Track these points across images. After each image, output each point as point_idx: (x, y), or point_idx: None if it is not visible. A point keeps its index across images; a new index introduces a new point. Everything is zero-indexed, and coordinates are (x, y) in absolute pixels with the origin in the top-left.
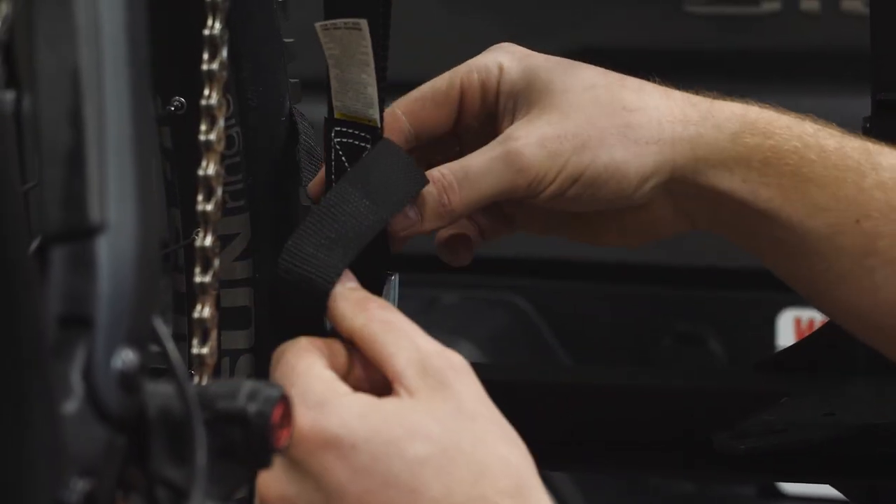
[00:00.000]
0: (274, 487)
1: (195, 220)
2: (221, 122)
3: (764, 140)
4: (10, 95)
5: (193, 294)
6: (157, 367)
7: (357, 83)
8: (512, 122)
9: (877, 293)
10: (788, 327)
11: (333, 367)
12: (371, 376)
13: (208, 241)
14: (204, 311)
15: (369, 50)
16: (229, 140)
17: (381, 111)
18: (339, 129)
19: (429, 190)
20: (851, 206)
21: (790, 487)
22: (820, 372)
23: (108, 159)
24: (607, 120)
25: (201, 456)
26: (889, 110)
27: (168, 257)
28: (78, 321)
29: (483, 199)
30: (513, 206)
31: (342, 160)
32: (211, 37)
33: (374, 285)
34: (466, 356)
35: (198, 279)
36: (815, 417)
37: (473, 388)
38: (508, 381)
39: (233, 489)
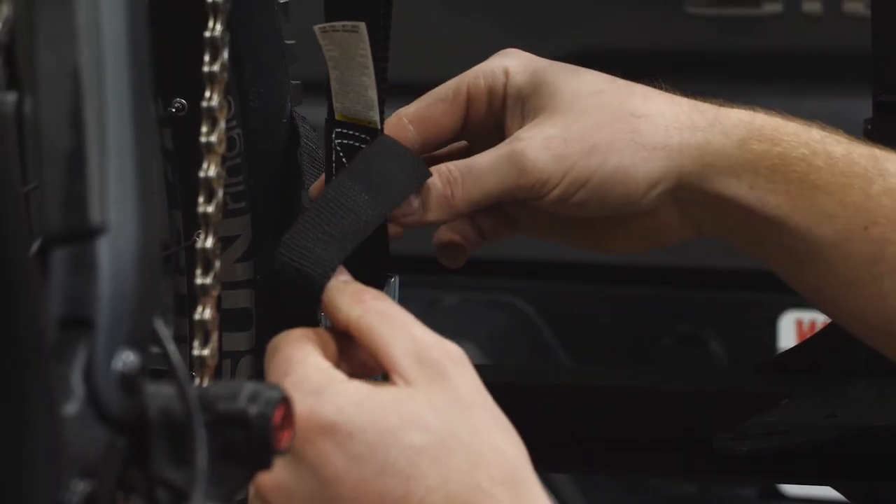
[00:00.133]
0: (269, 475)
1: (196, 222)
2: (222, 124)
3: (771, 147)
4: (11, 97)
5: (194, 296)
6: (157, 368)
7: (357, 85)
8: (520, 127)
9: (884, 300)
10: (790, 329)
11: (327, 357)
12: (365, 368)
13: (209, 242)
14: (205, 312)
15: (368, 52)
16: (230, 142)
17: (382, 113)
18: (339, 130)
19: (433, 182)
20: (859, 213)
21: (791, 489)
22: (821, 373)
23: (108, 161)
24: (615, 125)
25: (202, 457)
26: (890, 112)
27: (169, 259)
28: (78, 322)
29: (486, 197)
30: (516, 208)
31: (343, 161)
32: (212, 38)
33: (375, 287)
34: (467, 358)
35: (199, 281)
36: (816, 419)
37: (470, 379)
38: (509, 382)
39: (233, 490)
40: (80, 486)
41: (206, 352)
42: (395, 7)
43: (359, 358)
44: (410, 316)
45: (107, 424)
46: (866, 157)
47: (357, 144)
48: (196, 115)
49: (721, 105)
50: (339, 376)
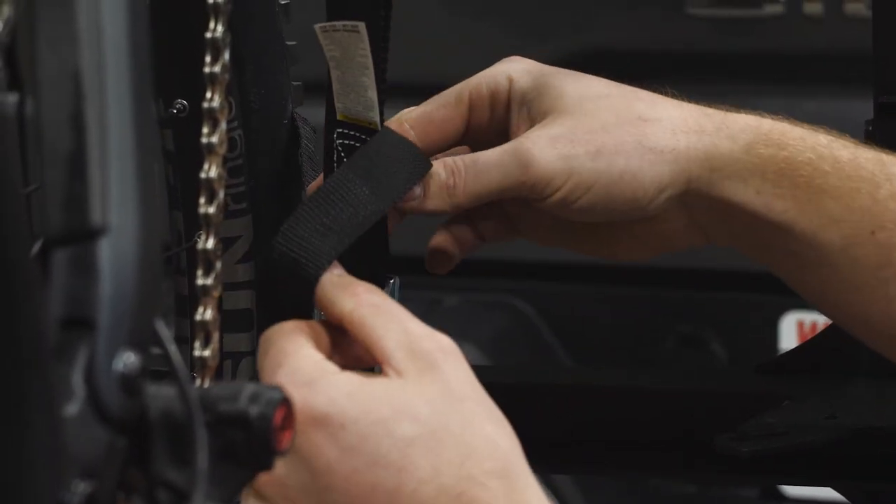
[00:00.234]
0: None
1: (197, 223)
2: (223, 125)
3: (778, 151)
4: (12, 98)
5: (195, 297)
6: (158, 369)
7: (357, 86)
8: (527, 129)
9: (890, 304)
10: (791, 330)
11: (321, 349)
12: (358, 361)
13: (210, 243)
14: (206, 313)
15: (368, 53)
16: (231, 143)
17: (382, 114)
18: (341, 130)
19: (437, 170)
20: (866, 218)
21: (792, 490)
22: (822, 374)
23: (109, 162)
24: (622, 128)
25: (202, 458)
26: (891, 113)
27: (170, 260)
28: (79, 323)
29: (488, 192)
30: (518, 211)
31: (344, 161)
32: (213, 39)
33: None
34: (468, 358)
35: (200, 282)
36: (816, 420)
37: (462, 370)
38: (509, 383)
39: (234, 491)
40: (81, 487)
41: (206, 353)
42: (395, 8)
43: (352, 351)
44: (403, 309)
45: (107, 425)
46: (873, 161)
47: (357, 145)
48: (197, 116)
49: (727, 110)
50: (331, 368)
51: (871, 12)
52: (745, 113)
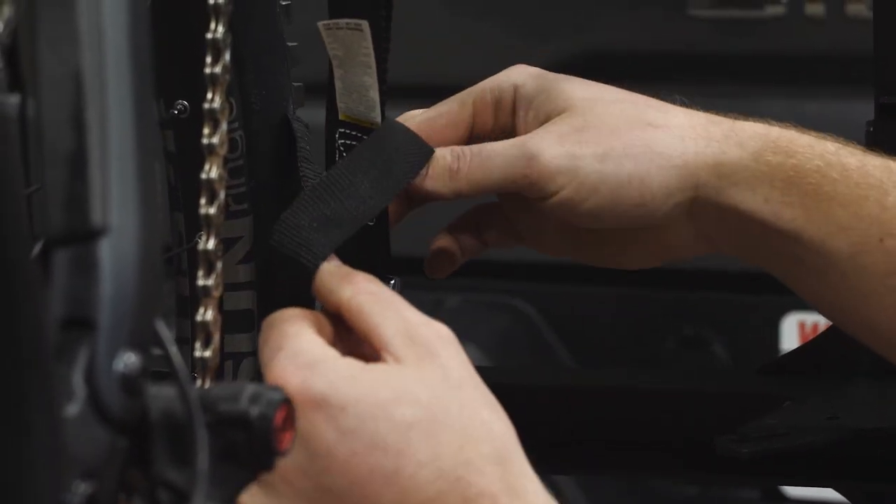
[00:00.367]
0: None
1: (198, 224)
2: (224, 126)
3: (786, 159)
4: (13, 99)
5: (196, 297)
6: (159, 370)
7: (359, 86)
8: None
9: None
10: (792, 331)
11: (321, 336)
12: (356, 352)
13: (211, 244)
14: (207, 314)
15: (371, 51)
16: (232, 143)
17: (384, 114)
18: (342, 130)
19: (442, 153)
20: (874, 225)
21: (793, 491)
22: (823, 375)
23: (110, 162)
24: (631, 133)
25: (203, 458)
26: (892, 114)
27: (171, 261)
28: (80, 323)
29: (490, 182)
30: (523, 217)
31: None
32: (214, 40)
33: None
34: (469, 359)
35: (200, 282)
36: (817, 421)
37: (459, 358)
38: (511, 384)
39: (235, 492)
40: (82, 488)
41: (207, 353)
42: (396, 8)
43: (351, 342)
44: (401, 298)
45: (108, 425)
46: (881, 168)
47: None
48: (198, 117)
49: (735, 118)
50: (332, 352)
51: (872, 13)
52: (753, 120)
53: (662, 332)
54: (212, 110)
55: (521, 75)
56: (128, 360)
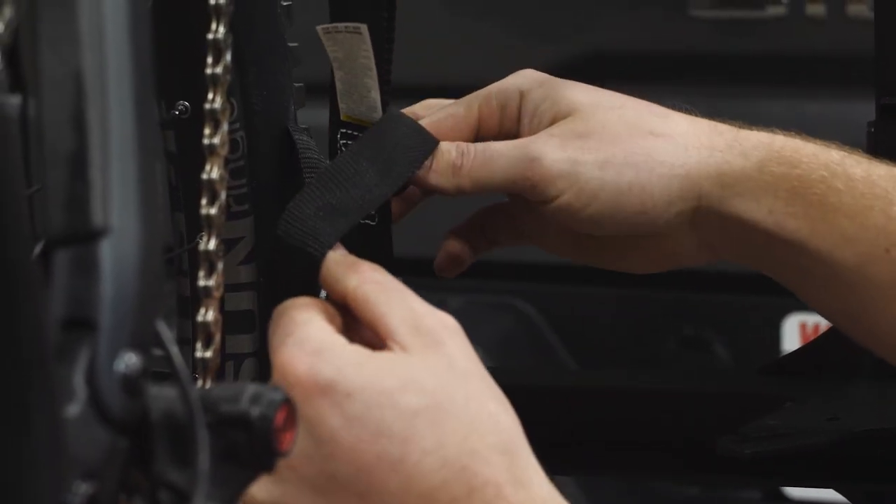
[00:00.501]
0: None
1: (199, 224)
2: (225, 126)
3: (790, 169)
4: (14, 99)
5: (197, 298)
6: (160, 370)
7: (360, 87)
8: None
9: None
10: (794, 331)
11: (331, 324)
12: (361, 339)
13: (212, 244)
14: (208, 314)
15: (371, 54)
16: (233, 144)
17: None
18: (344, 130)
19: (447, 148)
20: (880, 236)
21: (794, 491)
22: (824, 376)
23: (111, 163)
24: (632, 141)
25: (204, 459)
26: (893, 114)
27: (172, 261)
28: (81, 324)
29: (492, 181)
30: (528, 218)
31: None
32: (215, 41)
33: None
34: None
35: (201, 283)
36: (818, 422)
37: (465, 348)
38: (512, 385)
39: (235, 492)
40: (82, 488)
41: (208, 354)
42: (398, 9)
43: (357, 331)
44: (407, 288)
45: (109, 426)
46: (886, 178)
47: None
48: (199, 117)
49: (740, 126)
50: (340, 340)
51: (873, 14)
52: (758, 129)
53: (663, 333)
54: (213, 111)
55: (527, 81)
56: (129, 360)
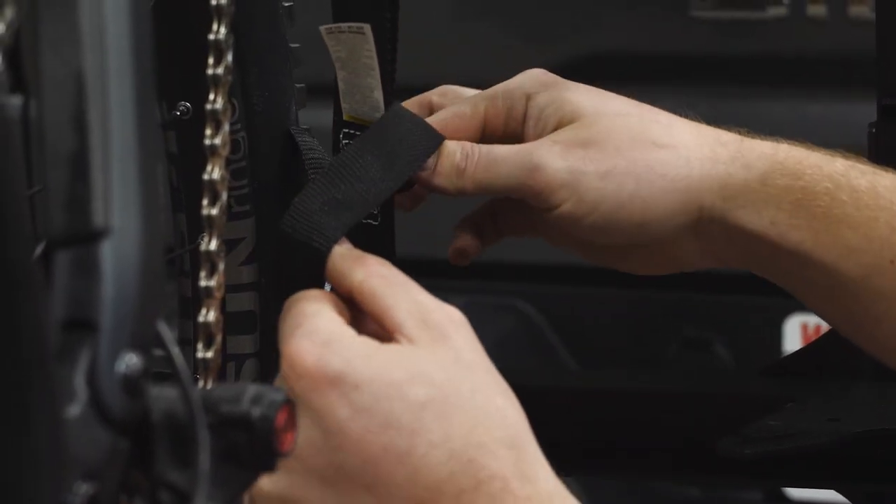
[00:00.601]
0: None
1: (200, 225)
2: (227, 127)
3: (794, 181)
4: (15, 100)
5: (199, 298)
6: (161, 371)
7: (363, 87)
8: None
9: None
10: (795, 332)
11: (340, 317)
12: (368, 332)
13: (213, 245)
14: (209, 315)
15: (374, 54)
16: (234, 144)
17: None
18: (347, 130)
19: (453, 149)
20: (885, 247)
21: (795, 492)
22: (825, 377)
23: (112, 164)
24: (634, 152)
25: (204, 459)
26: (894, 115)
27: (173, 262)
28: (82, 325)
29: (493, 185)
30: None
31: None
32: (216, 41)
33: None
34: None
35: (203, 283)
36: (819, 422)
37: (471, 342)
38: (514, 385)
39: (236, 493)
40: (83, 489)
41: (209, 354)
42: (400, 10)
43: (364, 324)
44: (413, 282)
45: (109, 426)
46: (891, 189)
47: None
48: (200, 118)
49: (744, 136)
50: (349, 331)
51: (874, 15)
52: (762, 138)
53: (664, 334)
54: (214, 111)
55: (533, 84)
56: (129, 361)
